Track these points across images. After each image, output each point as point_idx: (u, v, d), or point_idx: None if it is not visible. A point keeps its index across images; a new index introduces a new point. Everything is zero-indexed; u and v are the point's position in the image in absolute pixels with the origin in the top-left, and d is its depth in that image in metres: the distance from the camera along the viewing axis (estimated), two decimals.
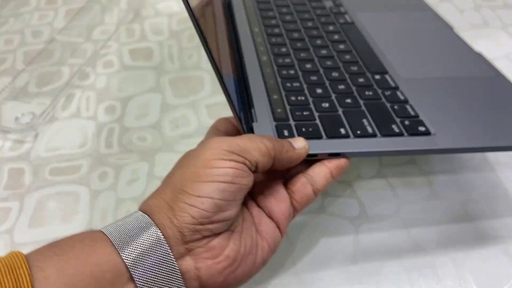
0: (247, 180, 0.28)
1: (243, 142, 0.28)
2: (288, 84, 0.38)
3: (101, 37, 0.61)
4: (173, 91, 0.53)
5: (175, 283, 0.25)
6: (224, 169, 0.27)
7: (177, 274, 0.25)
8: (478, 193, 0.40)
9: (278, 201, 0.31)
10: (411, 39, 0.47)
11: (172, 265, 0.25)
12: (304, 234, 0.38)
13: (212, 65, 0.29)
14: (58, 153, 0.46)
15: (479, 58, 0.43)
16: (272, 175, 0.32)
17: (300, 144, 0.31)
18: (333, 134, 0.33)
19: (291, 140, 0.31)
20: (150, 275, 0.25)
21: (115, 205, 0.41)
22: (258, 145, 0.28)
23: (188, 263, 0.26)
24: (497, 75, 0.41)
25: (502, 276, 0.34)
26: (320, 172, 0.31)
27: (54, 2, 0.69)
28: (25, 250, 0.37)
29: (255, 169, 0.28)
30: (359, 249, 0.36)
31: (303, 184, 0.31)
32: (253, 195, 0.31)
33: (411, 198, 0.40)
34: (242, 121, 0.32)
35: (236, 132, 0.35)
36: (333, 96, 0.37)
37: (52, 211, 0.41)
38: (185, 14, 0.66)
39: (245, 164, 0.27)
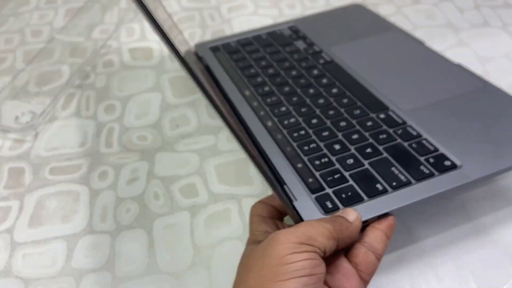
0: (322, 268, 0.27)
1: (307, 230, 0.28)
2: (306, 148, 0.37)
3: (101, 37, 0.61)
4: (173, 90, 0.53)
5: None
6: (300, 263, 0.26)
7: None
8: (478, 192, 0.40)
9: (347, 278, 0.30)
10: (391, 65, 0.46)
11: None
12: None
13: (246, 152, 0.29)
14: (58, 153, 0.46)
15: (461, 69, 0.44)
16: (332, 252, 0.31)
17: (353, 216, 0.31)
18: (372, 193, 0.33)
19: (342, 214, 0.31)
20: None
21: (115, 204, 0.41)
22: (321, 230, 0.28)
23: None
24: (485, 85, 0.41)
25: (502, 276, 0.34)
26: (376, 237, 0.31)
27: (54, 2, 0.69)
28: (26, 250, 0.38)
29: (323, 255, 0.28)
30: None
31: (365, 254, 0.30)
32: None
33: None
34: (294, 208, 0.32)
35: (278, 212, 0.35)
36: (353, 149, 0.36)
37: (52, 211, 0.41)
38: (185, 13, 0.66)
39: (316, 252, 0.27)
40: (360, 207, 0.32)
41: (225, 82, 0.46)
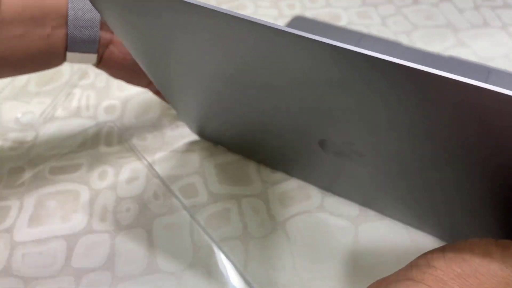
0: None
1: None
2: None
3: None
4: None
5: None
6: None
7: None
8: None
9: None
10: None
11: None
12: (304, 234, 0.38)
13: None
14: (58, 152, 0.46)
15: (460, 60, 0.44)
16: None
17: None
18: None
19: None
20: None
21: (114, 204, 0.41)
22: None
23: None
24: (489, 70, 0.42)
25: None
26: None
27: None
28: (25, 249, 0.38)
29: None
30: (359, 249, 0.36)
31: None
32: None
33: None
34: None
35: None
36: None
37: (52, 210, 0.41)
38: None
39: None
40: None
41: None
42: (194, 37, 0.26)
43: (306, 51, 0.22)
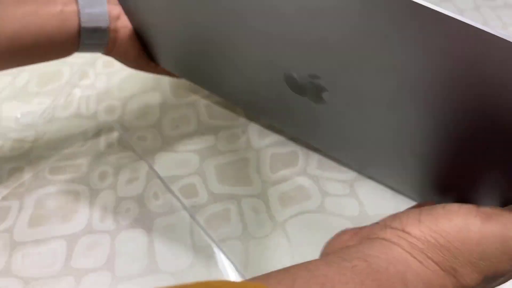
0: None
1: None
2: None
3: None
4: (172, 90, 0.53)
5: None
6: None
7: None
8: None
9: None
10: None
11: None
12: (304, 234, 0.38)
13: None
14: (58, 152, 0.46)
15: None
16: None
17: None
18: None
19: None
20: None
21: (114, 204, 0.41)
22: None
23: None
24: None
25: None
26: None
27: None
28: (25, 250, 0.38)
29: None
30: None
31: None
32: None
33: (411, 198, 0.40)
34: None
35: None
36: None
37: (51, 210, 0.41)
38: None
39: None
40: None
41: None
42: None
43: None
